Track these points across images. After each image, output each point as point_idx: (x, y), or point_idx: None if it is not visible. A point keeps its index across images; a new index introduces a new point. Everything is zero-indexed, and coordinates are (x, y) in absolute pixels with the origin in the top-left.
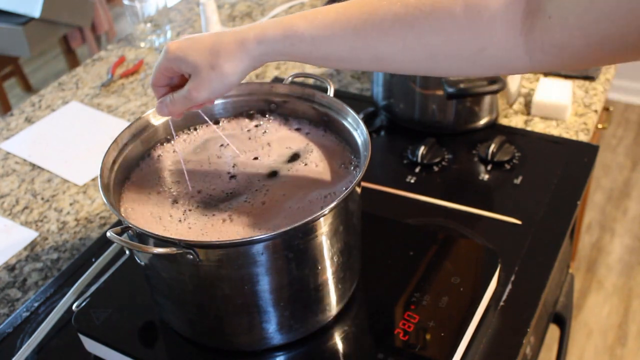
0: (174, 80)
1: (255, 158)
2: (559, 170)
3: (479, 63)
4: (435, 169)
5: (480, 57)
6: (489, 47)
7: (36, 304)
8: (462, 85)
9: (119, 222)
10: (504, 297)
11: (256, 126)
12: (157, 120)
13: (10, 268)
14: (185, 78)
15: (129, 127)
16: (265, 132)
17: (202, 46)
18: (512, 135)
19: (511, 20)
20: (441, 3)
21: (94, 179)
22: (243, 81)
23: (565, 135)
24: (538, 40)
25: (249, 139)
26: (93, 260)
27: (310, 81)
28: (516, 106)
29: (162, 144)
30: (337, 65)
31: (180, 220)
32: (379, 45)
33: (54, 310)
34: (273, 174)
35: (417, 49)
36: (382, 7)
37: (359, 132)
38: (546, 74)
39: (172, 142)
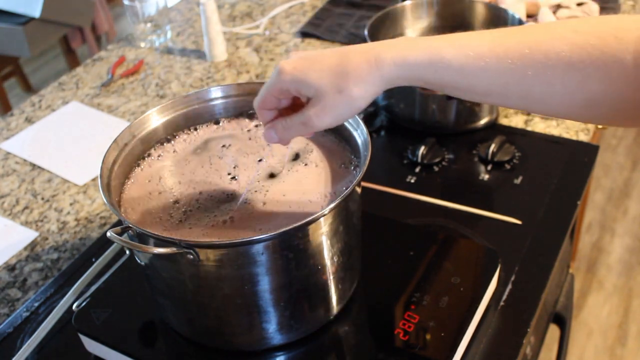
0: (283, 103)
1: (260, 160)
2: (559, 170)
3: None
4: (436, 169)
5: None
6: None
7: (36, 304)
8: None
9: (119, 222)
10: (504, 297)
11: (256, 126)
12: (157, 120)
13: (10, 268)
14: (298, 101)
15: (129, 127)
16: None
17: (325, 66)
18: (512, 135)
19: None
20: (610, 48)
21: (94, 179)
22: (242, 81)
23: (566, 135)
24: None
25: (249, 139)
26: (93, 260)
27: None
28: None
29: (162, 143)
30: (480, 98)
31: (180, 221)
32: (535, 84)
33: (54, 310)
34: (273, 175)
35: (576, 93)
36: (545, 43)
37: (359, 132)
38: None
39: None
